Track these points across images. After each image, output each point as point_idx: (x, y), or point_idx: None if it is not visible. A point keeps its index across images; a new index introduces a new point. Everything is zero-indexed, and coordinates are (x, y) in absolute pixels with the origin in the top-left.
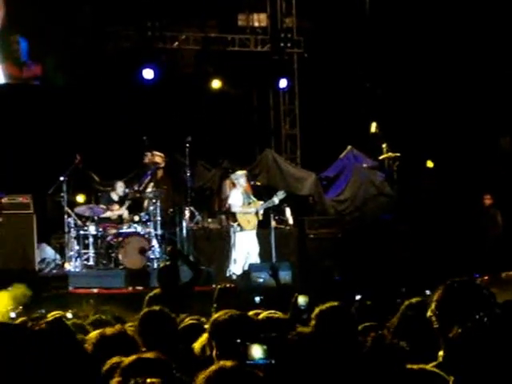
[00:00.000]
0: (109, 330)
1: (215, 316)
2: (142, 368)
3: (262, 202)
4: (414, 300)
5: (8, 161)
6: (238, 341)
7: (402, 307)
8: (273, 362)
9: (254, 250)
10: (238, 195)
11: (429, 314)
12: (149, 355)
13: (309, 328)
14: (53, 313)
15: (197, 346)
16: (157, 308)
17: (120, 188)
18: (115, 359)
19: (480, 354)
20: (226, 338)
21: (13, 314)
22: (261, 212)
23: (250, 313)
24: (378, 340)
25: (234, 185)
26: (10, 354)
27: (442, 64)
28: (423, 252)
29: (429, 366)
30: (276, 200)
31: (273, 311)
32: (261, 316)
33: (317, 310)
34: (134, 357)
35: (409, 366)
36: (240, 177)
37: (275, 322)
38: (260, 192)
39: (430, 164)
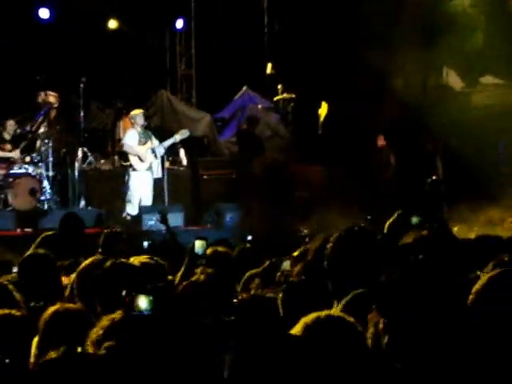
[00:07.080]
0: None
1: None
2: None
3: (157, 142)
4: None
5: None
6: (124, 291)
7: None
8: (159, 313)
9: (147, 191)
10: (133, 134)
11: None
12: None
13: (203, 276)
14: None
15: None
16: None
17: (11, 127)
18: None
19: None
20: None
21: None
22: (160, 151)
23: (132, 259)
24: None
25: (131, 124)
26: None
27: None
28: (317, 193)
29: None
30: (178, 137)
31: (148, 257)
32: (136, 261)
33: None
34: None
35: None
36: (137, 116)
37: (150, 268)
38: (154, 134)
39: (323, 109)
